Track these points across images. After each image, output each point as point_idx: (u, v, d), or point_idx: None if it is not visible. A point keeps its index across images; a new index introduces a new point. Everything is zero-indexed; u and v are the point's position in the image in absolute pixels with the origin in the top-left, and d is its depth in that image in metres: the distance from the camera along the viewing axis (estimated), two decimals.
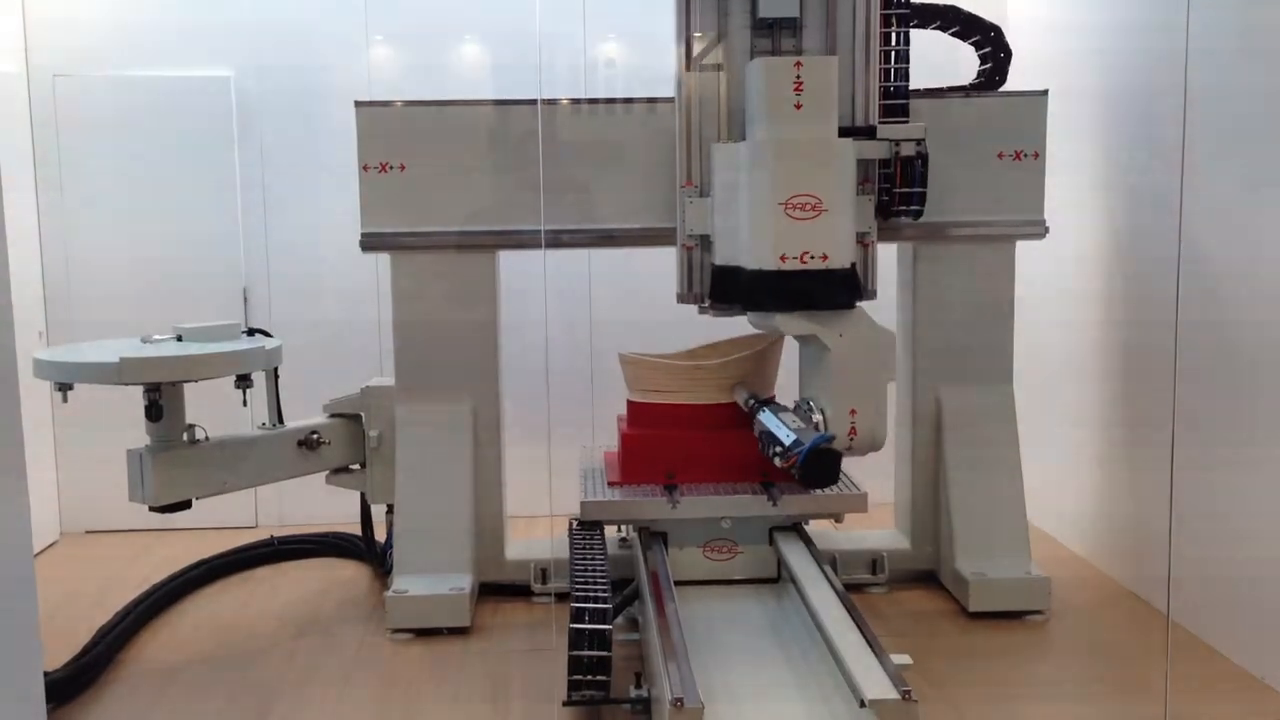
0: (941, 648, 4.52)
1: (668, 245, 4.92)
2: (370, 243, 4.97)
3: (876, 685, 3.23)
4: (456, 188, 4.94)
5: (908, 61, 4.56)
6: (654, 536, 4.58)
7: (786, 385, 4.96)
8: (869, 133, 4.38)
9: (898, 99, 4.53)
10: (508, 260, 5.21)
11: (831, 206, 4.03)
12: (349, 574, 5.63)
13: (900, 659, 3.44)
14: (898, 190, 4.46)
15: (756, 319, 4.36)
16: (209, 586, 5.46)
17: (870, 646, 3.50)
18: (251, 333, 4.96)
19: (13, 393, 3.58)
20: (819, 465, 4.22)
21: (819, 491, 4.60)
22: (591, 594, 3.78)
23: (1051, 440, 5.72)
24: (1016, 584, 4.83)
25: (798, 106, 4.05)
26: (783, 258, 4.03)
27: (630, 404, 4.99)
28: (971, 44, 5.13)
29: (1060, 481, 5.75)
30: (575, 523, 4.58)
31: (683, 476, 4.70)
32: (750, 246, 4.13)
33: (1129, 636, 4.65)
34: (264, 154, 6.29)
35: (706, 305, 4.48)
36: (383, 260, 5.13)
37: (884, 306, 5.45)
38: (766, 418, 4.47)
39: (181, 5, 6.21)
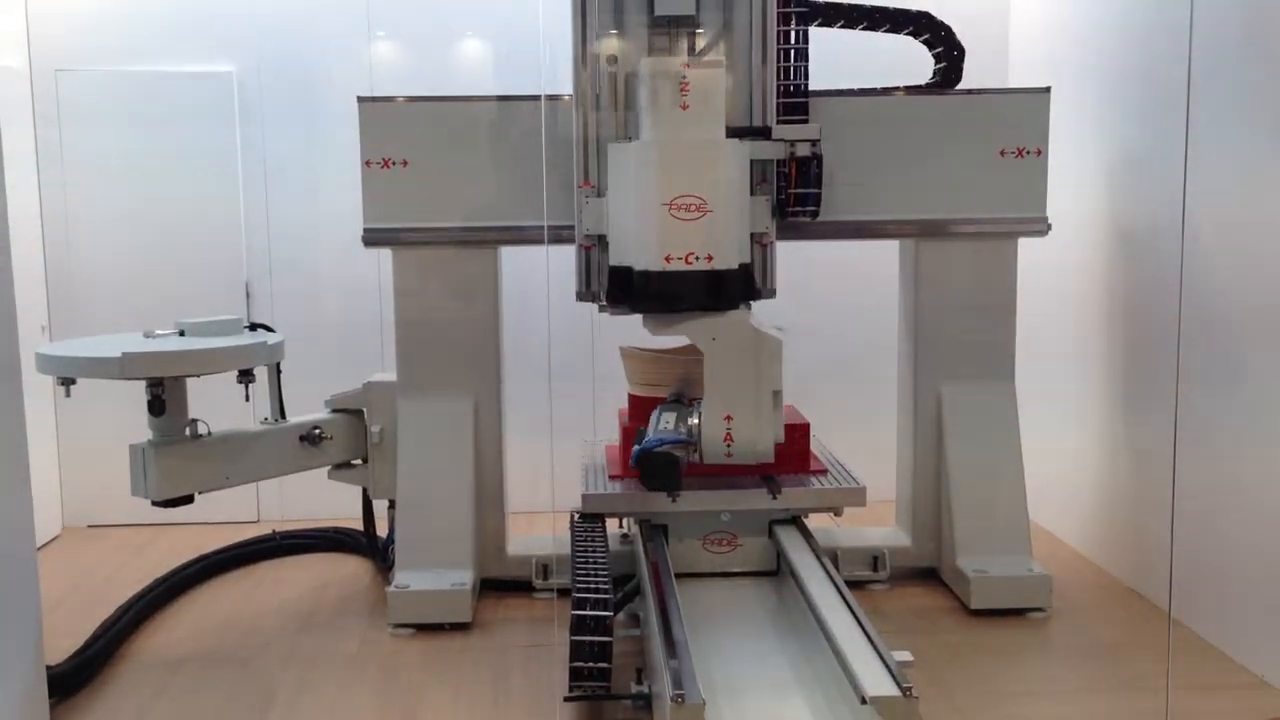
0: (943, 645, 4.53)
1: None
2: (372, 238, 4.97)
3: (878, 682, 3.23)
4: (459, 183, 4.94)
5: (807, 61, 4.56)
6: (655, 529, 4.60)
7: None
8: (764, 133, 4.39)
9: (797, 99, 4.53)
10: (509, 255, 5.21)
11: (716, 207, 4.04)
12: (350, 569, 5.64)
13: (901, 655, 3.44)
14: (793, 191, 4.46)
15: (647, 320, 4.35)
16: (211, 581, 5.47)
17: (871, 643, 3.50)
18: (254, 328, 4.96)
19: (16, 387, 3.59)
20: (648, 468, 4.25)
21: (817, 484, 4.67)
22: (593, 584, 3.79)
23: (1053, 437, 5.72)
24: (1018, 581, 4.83)
25: (684, 107, 4.06)
26: (667, 258, 4.04)
27: (631, 398, 4.99)
28: (924, 43, 5.11)
29: (1062, 478, 5.75)
30: (576, 515, 4.59)
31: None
32: (637, 247, 4.14)
33: (1130, 634, 4.65)
34: (266, 149, 6.29)
35: (605, 305, 4.45)
36: (385, 256, 5.14)
37: (883, 305, 5.52)
38: (653, 415, 4.48)
39: (184, 1, 6.21)
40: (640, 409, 4.92)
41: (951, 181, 4.99)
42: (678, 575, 4.16)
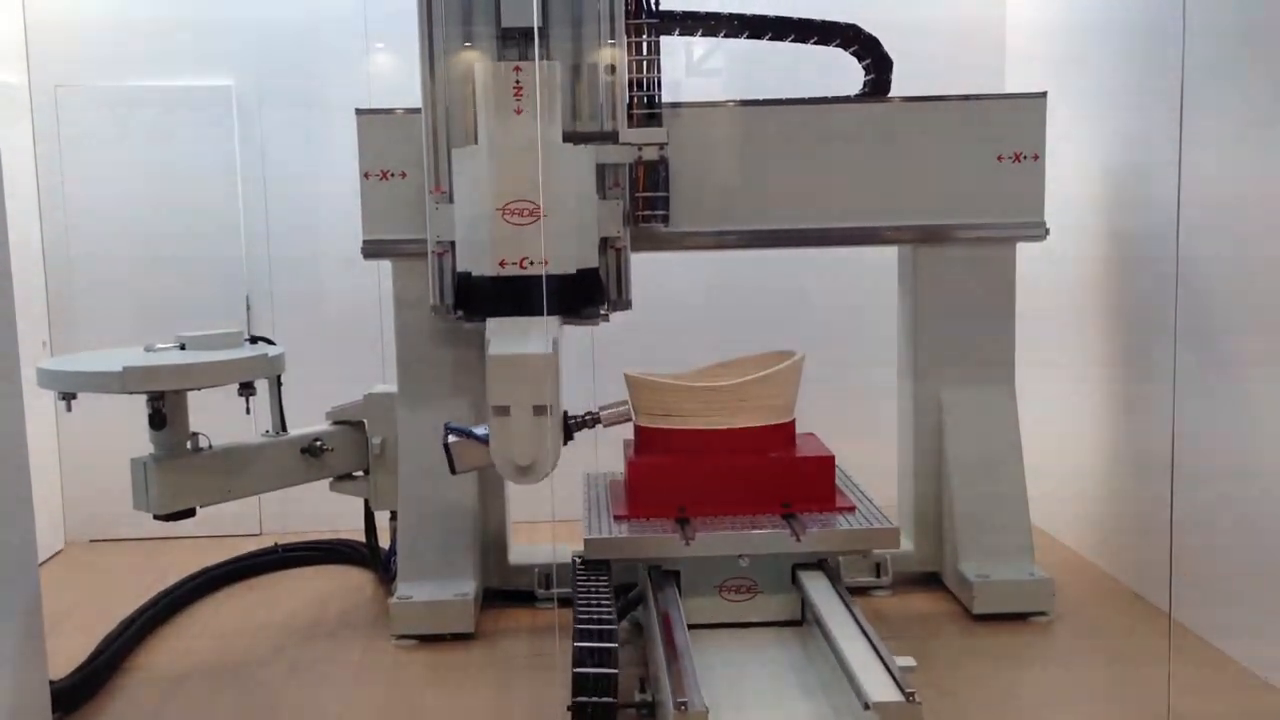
0: (945, 650, 4.52)
1: (670, 250, 4.94)
2: (372, 250, 4.98)
3: (881, 687, 3.23)
4: None
5: (659, 70, 4.60)
6: (665, 576, 4.15)
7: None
8: (611, 138, 4.42)
9: (651, 107, 4.57)
10: None
11: (551, 211, 4.02)
12: (353, 581, 5.64)
13: (904, 661, 3.44)
14: (640, 195, 4.49)
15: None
16: (214, 594, 5.46)
17: (874, 648, 3.49)
18: (254, 340, 4.97)
19: (17, 402, 3.60)
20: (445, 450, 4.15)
21: (845, 523, 4.24)
22: (596, 647, 3.50)
23: (1053, 440, 5.72)
24: (1020, 586, 4.83)
25: (518, 111, 4.05)
26: (502, 263, 4.01)
27: (638, 429, 4.57)
28: (851, 53, 5.15)
29: (1063, 482, 5.75)
30: (579, 560, 4.21)
31: (696, 509, 4.27)
32: (475, 252, 4.13)
33: (1133, 637, 4.65)
34: (265, 162, 6.30)
35: (460, 316, 4.40)
36: (384, 267, 5.14)
37: (882, 310, 5.52)
38: None
39: (183, 15, 6.24)
40: (648, 440, 4.54)
41: (949, 187, 4.99)
42: (691, 627, 3.76)
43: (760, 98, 4.98)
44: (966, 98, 5.03)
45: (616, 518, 4.34)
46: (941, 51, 5.93)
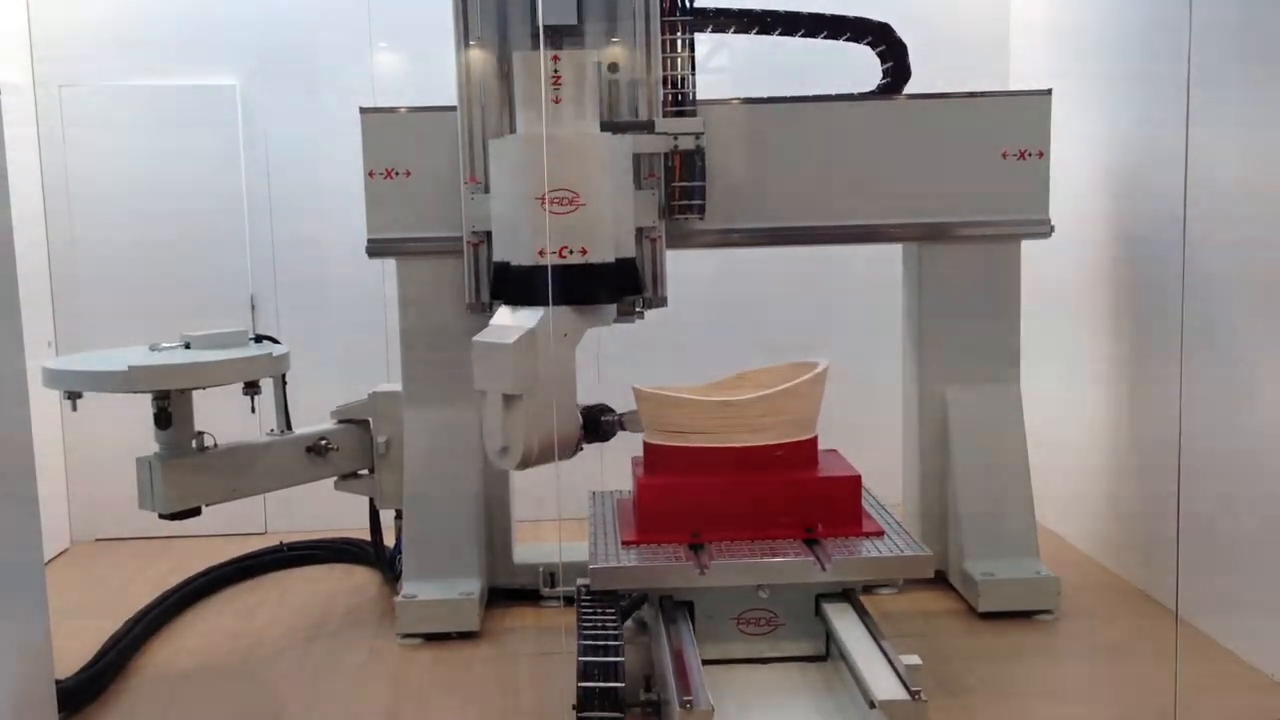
0: (951, 648, 4.52)
1: (674, 248, 4.93)
2: (376, 249, 4.98)
3: (886, 686, 3.23)
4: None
5: (694, 67, 4.65)
6: (678, 607, 3.86)
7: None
8: (647, 127, 4.46)
9: (685, 101, 4.62)
10: None
11: (590, 200, 4.03)
12: (358, 579, 5.64)
13: (909, 660, 3.43)
14: (676, 184, 4.51)
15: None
16: (219, 593, 5.47)
17: (880, 647, 3.48)
18: (259, 340, 4.97)
19: (22, 402, 3.60)
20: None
21: (873, 550, 3.97)
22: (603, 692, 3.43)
23: (1059, 438, 5.71)
24: (1025, 584, 4.82)
25: (556, 100, 4.06)
26: (541, 252, 4.03)
27: (647, 446, 4.26)
28: (878, 53, 5.16)
29: (1068, 480, 5.74)
30: (584, 590, 3.96)
31: (711, 534, 3.98)
32: (514, 242, 4.15)
33: (1138, 635, 4.64)
34: (269, 161, 6.31)
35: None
36: (389, 266, 5.15)
37: (887, 308, 5.52)
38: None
39: (186, 15, 6.24)
40: (659, 458, 4.22)
41: (954, 184, 4.98)
42: (705, 663, 3.50)
43: (765, 95, 4.98)
44: (971, 95, 5.02)
45: (625, 543, 4.04)
46: (946, 48, 5.91)
